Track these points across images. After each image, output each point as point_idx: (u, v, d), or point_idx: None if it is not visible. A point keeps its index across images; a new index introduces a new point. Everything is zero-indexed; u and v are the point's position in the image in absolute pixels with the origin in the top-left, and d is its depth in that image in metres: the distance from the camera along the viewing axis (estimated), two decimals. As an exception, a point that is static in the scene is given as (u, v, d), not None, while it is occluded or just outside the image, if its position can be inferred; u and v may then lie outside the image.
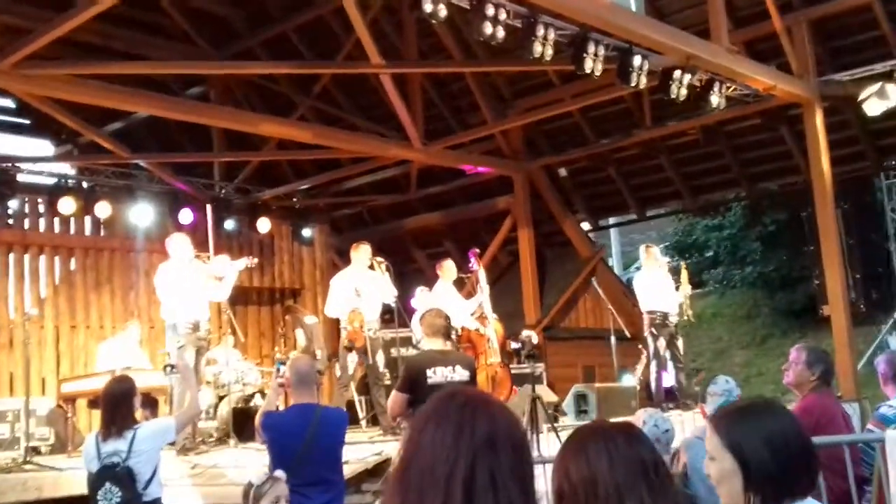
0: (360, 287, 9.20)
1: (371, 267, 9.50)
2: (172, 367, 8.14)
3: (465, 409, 1.57)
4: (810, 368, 4.98)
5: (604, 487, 1.79)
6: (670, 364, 10.26)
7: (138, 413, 5.49)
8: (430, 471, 1.51)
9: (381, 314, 9.61)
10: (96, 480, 4.93)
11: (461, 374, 5.87)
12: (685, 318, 10.46)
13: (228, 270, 9.21)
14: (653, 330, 10.20)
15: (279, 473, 4.17)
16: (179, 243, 8.92)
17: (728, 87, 9.99)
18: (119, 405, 5.09)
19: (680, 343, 10.39)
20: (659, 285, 10.31)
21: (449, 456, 1.51)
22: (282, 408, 6.11)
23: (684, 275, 10.63)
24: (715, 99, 9.78)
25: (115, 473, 4.86)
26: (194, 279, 8.79)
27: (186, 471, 7.58)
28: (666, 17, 11.49)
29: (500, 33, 8.01)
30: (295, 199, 14.98)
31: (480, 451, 1.52)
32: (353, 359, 9.23)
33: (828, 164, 11.00)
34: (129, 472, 4.88)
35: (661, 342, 10.19)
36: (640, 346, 11.88)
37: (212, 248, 9.60)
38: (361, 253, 9.49)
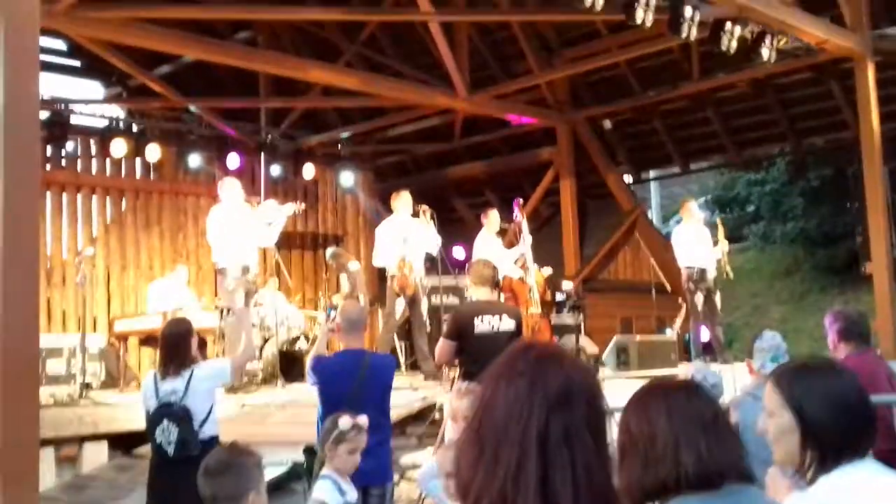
0: (406, 234, 9.30)
1: (415, 215, 9.59)
2: (228, 310, 8.32)
3: (538, 364, 1.56)
4: (831, 330, 5.01)
5: (662, 440, 1.86)
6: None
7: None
8: (504, 427, 1.51)
9: (423, 262, 9.73)
10: (154, 418, 5.08)
11: (507, 323, 5.99)
12: (724, 274, 10.47)
13: (276, 215, 9.37)
14: (690, 285, 10.23)
15: (362, 420, 4.26)
16: (231, 187, 9.08)
17: (779, 40, 9.85)
18: (177, 345, 5.24)
19: (717, 298, 10.41)
20: (697, 240, 10.31)
21: (522, 412, 1.50)
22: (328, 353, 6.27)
23: (721, 230, 10.62)
24: (766, 52, 9.65)
25: (172, 411, 5.02)
26: (244, 223, 8.95)
27: (236, 409, 7.83)
28: (718, -32, 11.31)
29: (552, -18, 7.98)
30: (340, 146, 15.08)
31: (554, 407, 1.50)
32: (400, 304, 9.37)
33: (877, 120, 10.84)
34: (185, 411, 5.02)
35: (699, 297, 10.22)
36: (679, 300, 11.94)
37: (263, 194, 9.75)
38: (402, 201, 9.58)
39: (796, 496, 2.13)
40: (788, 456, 2.14)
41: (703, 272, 10.21)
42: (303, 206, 10.00)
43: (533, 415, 1.50)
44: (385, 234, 9.58)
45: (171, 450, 4.96)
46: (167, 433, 4.99)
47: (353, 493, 4.31)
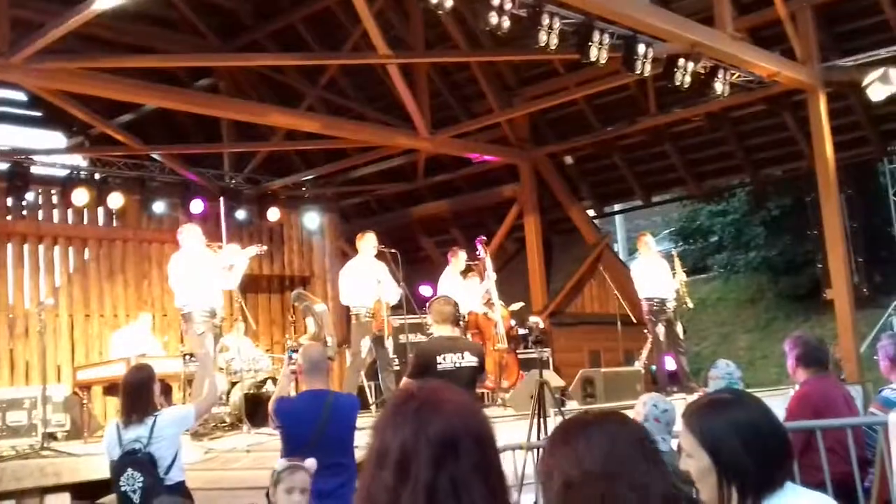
0: (378, 275, 9.34)
1: (379, 257, 9.64)
2: (191, 356, 8.29)
3: (419, 413, 1.52)
4: (790, 355, 5.10)
5: (613, 466, 1.73)
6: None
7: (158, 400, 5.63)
8: (394, 478, 1.47)
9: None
10: (119, 466, 5.05)
11: (469, 360, 6.01)
12: (683, 304, 10.59)
13: (238, 259, 9.37)
14: (651, 316, 10.36)
15: (309, 463, 4.27)
16: (191, 234, 9.08)
17: (732, 74, 10.08)
18: (140, 393, 5.21)
19: (679, 328, 10.51)
20: (654, 272, 10.44)
21: (410, 467, 1.47)
22: (293, 394, 6.26)
23: (677, 262, 10.78)
24: (719, 86, 9.89)
25: (136, 459, 4.99)
26: (207, 268, 8.95)
27: (201, 456, 7.76)
28: (670, 5, 11.55)
29: (506, 23, 8.12)
30: (304, 189, 15.12)
31: (439, 459, 1.46)
32: (366, 344, 9.38)
33: (831, 149, 11.07)
34: (150, 458, 5.00)
35: (661, 328, 10.34)
36: (645, 332, 12.03)
37: (224, 238, 9.76)
38: (368, 241, 9.63)
39: None
40: (712, 495, 2.08)
41: (662, 302, 10.33)
42: (264, 248, 10.02)
43: (420, 468, 1.47)
44: (352, 275, 9.59)
45: (136, 497, 4.92)
46: (132, 481, 4.96)
47: None
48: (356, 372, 9.68)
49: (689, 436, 2.11)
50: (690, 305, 10.80)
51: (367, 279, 9.36)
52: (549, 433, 1.82)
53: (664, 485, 1.76)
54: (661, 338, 10.28)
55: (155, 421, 5.09)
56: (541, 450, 1.77)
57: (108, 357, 11.16)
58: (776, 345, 16.54)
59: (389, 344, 9.48)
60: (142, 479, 4.94)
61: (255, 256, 9.85)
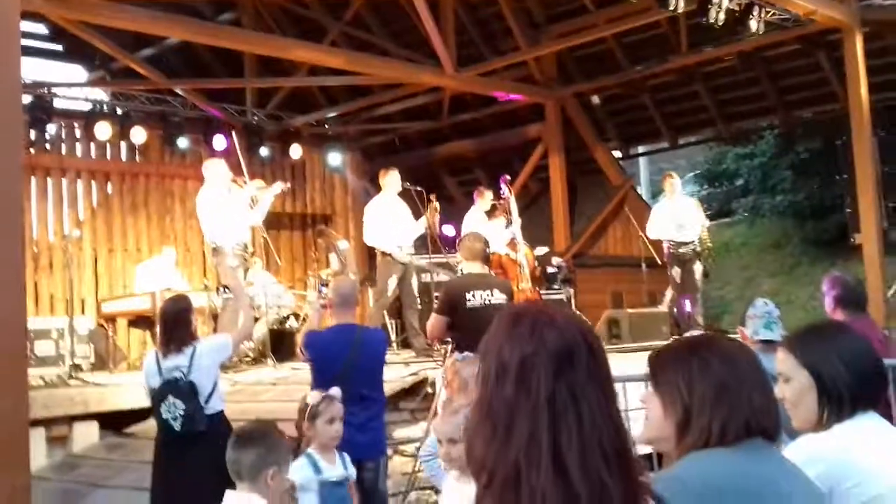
0: (397, 212, 9.27)
1: (402, 193, 9.56)
2: (226, 288, 8.29)
3: (534, 327, 1.54)
4: (828, 295, 5.01)
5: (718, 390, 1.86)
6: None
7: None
8: (513, 398, 1.49)
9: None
10: (159, 395, 5.06)
11: (499, 297, 5.97)
12: (705, 248, 10.46)
13: (263, 195, 9.34)
14: (668, 259, 10.34)
15: (334, 391, 4.29)
16: (217, 168, 9.04)
17: (767, 12, 9.84)
18: (177, 323, 5.22)
19: (698, 271, 10.41)
20: (675, 214, 10.33)
21: (527, 379, 1.49)
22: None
23: (698, 206, 10.66)
24: (754, 24, 9.66)
25: (177, 387, 5.00)
26: (234, 202, 8.92)
27: (227, 388, 7.80)
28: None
29: (538, -45, 7.92)
30: (326, 126, 15.01)
31: (558, 368, 1.49)
32: (392, 282, 9.35)
33: (866, 90, 10.85)
34: (191, 386, 5.02)
35: (676, 270, 10.31)
36: (669, 273, 11.96)
37: (246, 174, 9.69)
38: (392, 178, 9.54)
39: (811, 438, 2.20)
40: (808, 416, 2.21)
41: (678, 245, 10.25)
42: (288, 185, 9.96)
43: (540, 381, 1.49)
44: (377, 213, 9.51)
45: (177, 425, 4.95)
46: (173, 409, 4.98)
47: (335, 471, 4.29)
48: (380, 309, 9.66)
49: (791, 359, 2.22)
50: (711, 250, 10.67)
51: (392, 218, 9.27)
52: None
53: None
54: (677, 279, 10.25)
55: (194, 350, 5.10)
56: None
57: (132, 290, 11.22)
58: (801, 289, 16.44)
59: (414, 281, 9.44)
60: (183, 407, 4.96)
61: (280, 193, 9.80)
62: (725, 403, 1.84)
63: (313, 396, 4.24)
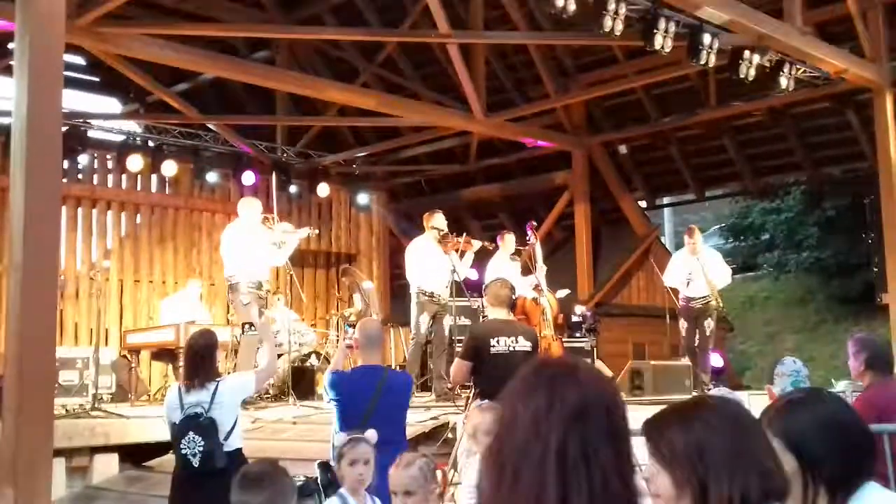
0: (438, 253, 9.26)
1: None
2: (250, 325, 8.32)
3: (554, 381, 1.55)
4: (857, 357, 4.97)
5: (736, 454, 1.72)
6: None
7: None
8: (524, 447, 1.51)
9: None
10: (180, 429, 5.06)
11: (523, 344, 5.95)
12: (717, 304, 10.33)
13: (290, 237, 9.40)
14: (679, 312, 10.33)
15: (370, 434, 4.26)
16: (250, 206, 9.14)
17: (798, 69, 9.87)
18: (203, 357, 5.22)
19: (708, 327, 10.30)
20: (689, 269, 10.25)
21: (541, 430, 1.50)
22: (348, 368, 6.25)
23: (719, 262, 10.59)
24: (784, 80, 9.68)
25: (198, 423, 4.99)
26: (259, 241, 8.99)
27: (247, 425, 7.80)
28: (738, -4, 11.35)
29: (572, 6, 8.01)
30: (354, 166, 15.14)
31: (571, 423, 1.50)
32: (424, 321, 9.34)
33: (895, 150, 10.83)
34: (211, 423, 5.00)
35: (683, 323, 10.26)
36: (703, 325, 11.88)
37: (275, 212, 9.78)
38: (438, 221, 9.55)
39: None
40: (795, 500, 1.99)
41: (689, 300, 10.19)
42: (317, 231, 10.00)
43: (552, 433, 1.50)
44: (420, 253, 9.44)
45: (196, 461, 4.94)
46: (192, 445, 4.97)
47: None
48: (418, 348, 9.61)
49: (772, 438, 1.99)
50: (721, 306, 10.53)
51: (434, 260, 9.25)
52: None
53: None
54: (683, 333, 10.22)
55: (217, 386, 5.10)
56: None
57: (156, 322, 11.28)
58: (824, 347, 16.30)
59: (447, 323, 9.42)
60: (203, 443, 4.95)
61: (306, 237, 9.88)
62: (742, 468, 1.69)
63: (339, 438, 4.23)
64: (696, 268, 10.19)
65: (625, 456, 1.53)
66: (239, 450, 5.15)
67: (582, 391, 1.54)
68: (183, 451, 4.97)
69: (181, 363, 6.70)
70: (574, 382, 1.55)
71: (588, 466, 1.48)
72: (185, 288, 11.58)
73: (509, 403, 1.58)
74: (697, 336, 10.23)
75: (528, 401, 1.54)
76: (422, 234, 9.54)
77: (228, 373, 8.68)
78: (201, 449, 4.91)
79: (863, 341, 5.03)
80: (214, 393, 5.04)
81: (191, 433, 4.95)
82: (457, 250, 9.54)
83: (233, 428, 5.09)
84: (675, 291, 10.51)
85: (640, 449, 1.75)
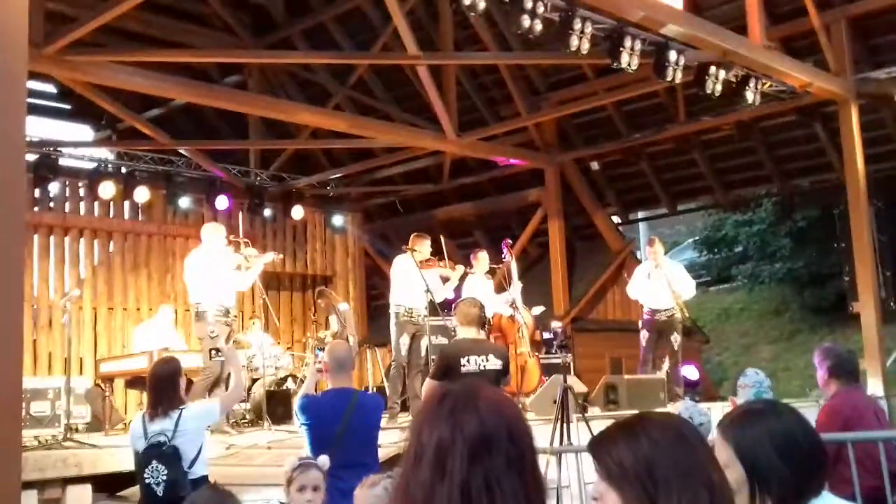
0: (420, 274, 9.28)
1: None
2: (218, 350, 8.31)
3: (453, 412, 1.56)
4: (821, 367, 5.04)
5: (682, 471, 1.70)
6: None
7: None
8: (430, 483, 1.52)
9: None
10: (143, 459, 5.05)
11: (494, 363, 5.98)
12: (683, 316, 10.39)
13: (255, 262, 9.37)
14: (642, 324, 10.43)
15: (322, 460, 4.25)
16: (214, 232, 9.09)
17: (764, 84, 9.99)
18: (166, 386, 5.22)
19: (674, 339, 10.36)
20: (652, 281, 10.33)
21: (444, 467, 1.51)
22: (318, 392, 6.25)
23: (682, 274, 10.67)
24: (750, 95, 9.80)
25: (161, 452, 4.99)
26: (224, 267, 8.96)
27: (222, 451, 7.76)
28: (703, 13, 11.47)
29: (538, 26, 8.08)
30: (328, 188, 15.16)
31: (473, 456, 1.51)
32: (404, 342, 9.36)
33: (862, 161, 10.98)
34: (175, 451, 5.00)
35: (644, 333, 10.34)
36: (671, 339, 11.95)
37: (242, 235, 9.70)
38: (425, 246, 9.61)
39: None
40: None
41: (653, 313, 10.28)
42: (281, 256, 9.99)
43: (454, 468, 1.50)
44: (404, 272, 9.48)
45: (159, 490, 4.92)
46: (156, 474, 4.96)
47: None
48: (398, 369, 9.61)
49: (725, 446, 2.07)
50: (688, 317, 10.61)
51: (416, 280, 9.26)
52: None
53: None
54: (643, 343, 10.32)
55: (180, 414, 5.09)
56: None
57: (130, 350, 11.21)
58: (799, 357, 16.43)
59: (425, 343, 9.44)
60: (166, 472, 4.94)
61: (271, 262, 9.86)
62: (691, 484, 1.66)
63: (289, 462, 4.22)
64: (661, 279, 10.27)
65: (530, 482, 1.53)
66: (204, 477, 5.13)
67: (482, 420, 1.54)
68: (147, 481, 4.95)
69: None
70: (473, 411, 1.55)
71: (491, 495, 1.48)
72: (158, 314, 11.53)
73: (415, 432, 1.59)
74: (665, 350, 10.30)
75: (431, 431, 1.55)
76: (405, 254, 9.58)
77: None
78: (164, 478, 4.90)
79: (826, 351, 5.11)
80: (178, 421, 5.03)
81: (154, 462, 4.94)
82: (443, 277, 9.66)
83: (197, 455, 5.08)
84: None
85: (590, 467, 1.76)
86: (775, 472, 2.03)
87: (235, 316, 9.45)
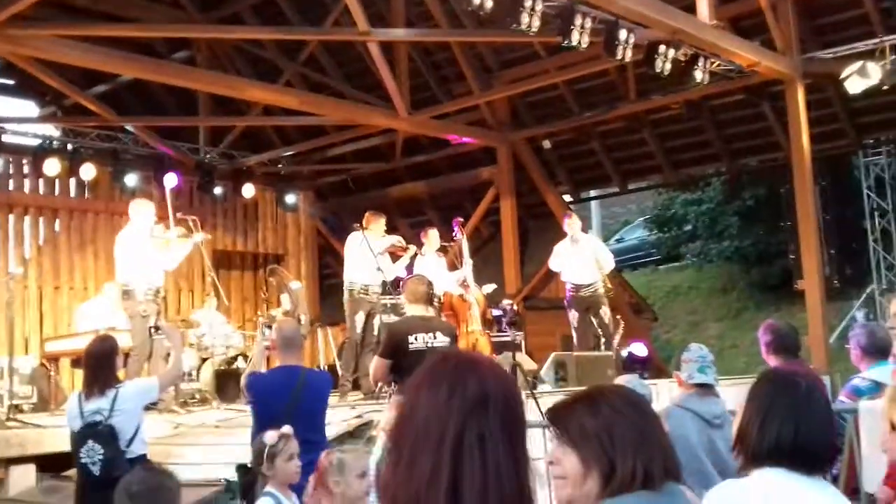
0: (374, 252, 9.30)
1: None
2: (157, 328, 8.23)
3: (456, 371, 1.60)
4: (763, 342, 5.15)
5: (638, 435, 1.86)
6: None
7: (120, 372, 5.58)
8: (423, 432, 1.55)
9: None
10: (79, 438, 5.01)
11: (442, 340, 6.00)
12: (607, 291, 10.48)
13: (182, 243, 9.23)
14: (568, 302, 10.48)
15: (287, 429, 4.29)
16: (142, 209, 8.94)
17: (712, 63, 10.09)
18: (102, 364, 5.16)
19: (603, 312, 10.45)
20: (574, 257, 10.41)
21: (440, 417, 1.54)
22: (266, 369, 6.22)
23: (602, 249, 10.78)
24: (699, 74, 9.88)
25: (97, 431, 4.95)
26: (153, 246, 8.83)
27: (168, 431, 7.71)
28: (652, -8, 11.54)
29: (489, 3, 8.08)
30: (280, 166, 15.04)
31: (471, 412, 1.54)
32: (360, 319, 9.36)
33: (808, 140, 11.14)
34: (111, 430, 4.95)
35: (574, 314, 10.40)
36: (617, 317, 12.07)
37: (171, 214, 9.48)
38: (379, 225, 9.70)
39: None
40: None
41: (577, 288, 10.35)
42: (209, 237, 9.84)
43: (450, 420, 1.54)
44: (356, 249, 9.47)
45: (96, 469, 4.89)
46: (92, 453, 4.92)
47: None
48: (351, 348, 9.60)
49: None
50: (610, 288, 10.66)
51: (370, 258, 9.26)
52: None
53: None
54: (575, 324, 10.36)
55: (117, 393, 5.04)
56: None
57: (73, 330, 11.04)
58: (746, 334, 16.69)
59: (377, 322, 9.46)
60: (102, 451, 4.90)
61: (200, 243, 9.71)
62: (645, 446, 1.82)
63: (270, 436, 4.23)
64: (581, 253, 10.34)
65: (520, 446, 1.58)
66: (143, 456, 5.10)
67: (483, 382, 1.58)
68: (83, 460, 4.92)
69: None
70: (476, 373, 1.60)
71: (483, 451, 1.52)
72: (101, 293, 11.30)
73: (412, 392, 1.61)
74: (598, 327, 10.37)
75: (430, 390, 1.58)
76: (358, 231, 9.57)
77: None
78: (101, 457, 4.86)
79: (768, 326, 5.20)
80: (114, 400, 4.98)
81: (90, 441, 4.90)
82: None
83: (135, 434, 5.04)
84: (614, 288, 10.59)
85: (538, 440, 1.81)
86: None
87: (164, 296, 9.33)
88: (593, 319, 10.37)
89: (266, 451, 4.18)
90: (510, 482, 1.53)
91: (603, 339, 10.35)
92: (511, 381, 1.67)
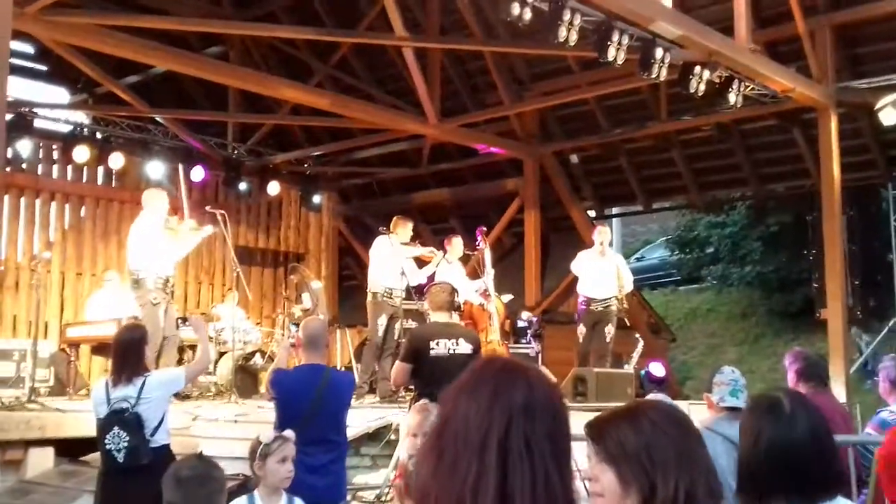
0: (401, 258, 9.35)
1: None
2: (185, 319, 8.26)
3: (501, 375, 1.56)
4: (791, 369, 5.09)
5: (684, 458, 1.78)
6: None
7: None
8: (465, 437, 1.50)
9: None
10: (105, 425, 5.03)
11: (464, 347, 5.99)
12: (621, 308, 10.44)
13: (192, 235, 9.26)
14: (578, 315, 10.50)
15: (288, 433, 4.25)
16: (156, 198, 8.98)
17: (746, 86, 10.05)
18: (130, 352, 5.18)
19: (608, 331, 10.41)
20: (594, 270, 10.37)
21: (483, 422, 1.50)
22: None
23: (624, 267, 10.73)
24: (732, 96, 9.84)
25: (123, 418, 4.96)
26: (166, 236, 8.86)
27: (186, 422, 7.71)
28: (691, 12, 11.49)
29: (528, 15, 8.07)
30: (306, 165, 15.07)
31: (516, 417, 1.50)
32: (382, 322, 9.37)
33: (838, 169, 11.07)
34: (137, 418, 4.98)
35: (582, 328, 10.39)
36: (637, 336, 12.02)
37: (186, 207, 9.50)
38: (406, 230, 9.79)
39: None
40: None
41: (589, 302, 10.31)
42: (217, 230, 9.91)
43: (494, 423, 1.50)
44: (383, 254, 9.52)
45: (120, 457, 4.90)
46: (117, 440, 4.94)
47: None
48: (371, 351, 9.61)
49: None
50: (626, 308, 10.64)
51: (395, 262, 9.30)
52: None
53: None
54: (580, 339, 10.35)
55: (144, 382, 5.06)
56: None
57: (82, 318, 11.07)
58: (764, 360, 16.58)
59: (399, 326, 9.48)
60: (127, 438, 4.92)
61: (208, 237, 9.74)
62: (688, 467, 1.73)
63: (266, 435, 4.20)
64: (607, 267, 10.30)
65: (566, 457, 1.55)
66: (166, 446, 5.11)
67: (530, 390, 1.55)
68: (108, 447, 4.93)
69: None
70: (523, 381, 1.56)
71: (532, 460, 1.48)
72: (110, 281, 11.28)
73: (454, 396, 1.57)
74: (596, 342, 10.33)
75: (474, 392, 1.55)
76: (385, 235, 9.60)
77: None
78: (126, 444, 4.88)
79: (796, 354, 5.16)
80: (142, 388, 5.00)
81: (115, 428, 4.91)
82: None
83: (160, 424, 5.06)
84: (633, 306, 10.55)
85: (578, 453, 1.78)
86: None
87: (173, 287, 9.36)
88: (594, 335, 10.34)
89: (259, 449, 4.14)
90: (558, 490, 1.50)
91: (598, 355, 10.31)
92: (559, 392, 1.62)
